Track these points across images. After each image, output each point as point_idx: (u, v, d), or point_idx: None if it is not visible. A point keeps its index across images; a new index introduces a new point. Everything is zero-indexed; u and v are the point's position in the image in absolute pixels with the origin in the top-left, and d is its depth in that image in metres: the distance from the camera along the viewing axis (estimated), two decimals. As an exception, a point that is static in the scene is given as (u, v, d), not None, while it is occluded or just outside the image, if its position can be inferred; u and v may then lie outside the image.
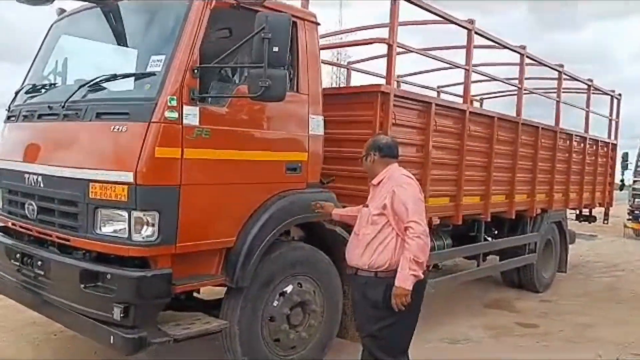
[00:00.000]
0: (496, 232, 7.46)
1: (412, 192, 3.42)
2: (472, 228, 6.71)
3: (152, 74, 3.50)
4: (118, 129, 3.42)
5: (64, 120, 3.77)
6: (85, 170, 3.51)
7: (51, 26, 4.68)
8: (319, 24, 4.38)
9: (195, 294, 4.69)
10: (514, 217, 6.99)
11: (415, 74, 9.16)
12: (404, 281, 3.23)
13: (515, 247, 7.41)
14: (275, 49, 3.33)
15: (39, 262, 3.80)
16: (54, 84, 4.30)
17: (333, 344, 4.63)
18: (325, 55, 6.54)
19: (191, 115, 3.47)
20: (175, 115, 3.39)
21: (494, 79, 6.88)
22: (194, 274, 3.71)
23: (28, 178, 3.94)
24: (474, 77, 6.20)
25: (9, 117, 4.49)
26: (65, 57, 4.50)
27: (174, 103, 3.39)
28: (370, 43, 5.13)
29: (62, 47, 4.59)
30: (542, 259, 8.01)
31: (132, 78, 3.69)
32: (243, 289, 3.87)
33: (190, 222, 3.51)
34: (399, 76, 8.89)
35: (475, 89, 9.05)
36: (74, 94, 3.75)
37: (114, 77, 3.66)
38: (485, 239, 6.90)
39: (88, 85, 3.74)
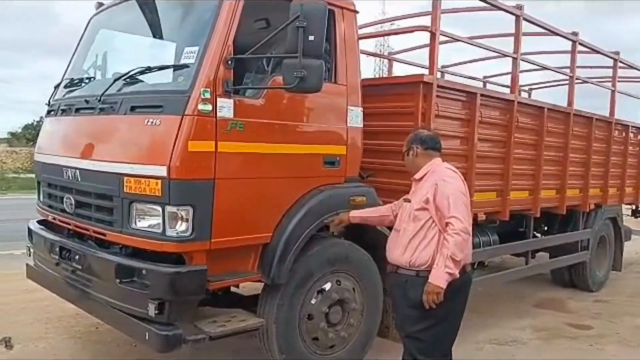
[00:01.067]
0: (546, 228, 7.17)
1: (456, 186, 3.26)
2: (521, 224, 6.44)
3: (186, 66, 3.42)
4: (152, 122, 3.36)
5: (100, 113, 3.75)
6: (120, 164, 3.47)
7: (89, 20, 4.68)
8: (357, 12, 4.22)
9: (233, 289, 4.64)
10: (565, 212, 6.65)
11: (459, 64, 8.88)
12: (438, 279, 3.08)
13: (567, 245, 7.08)
14: (311, 38, 3.20)
15: (77, 256, 3.80)
16: (92, 78, 4.29)
17: (374, 343, 4.48)
18: (367, 46, 6.40)
19: (225, 107, 3.38)
20: (209, 107, 3.31)
21: (544, 68, 6.55)
22: (230, 270, 3.63)
23: (66, 172, 3.94)
24: (522, 67, 5.91)
25: (49, 112, 4.53)
26: (104, 51, 4.50)
27: (208, 95, 3.30)
28: (412, 31, 4.93)
29: (101, 41, 4.59)
30: (595, 257, 7.63)
31: (167, 70, 3.64)
32: (280, 286, 3.77)
33: (225, 217, 3.43)
34: (442, 67, 8.65)
35: (523, 80, 8.74)
36: (109, 87, 3.72)
37: (148, 70, 3.62)
38: (535, 236, 6.62)
39: (123, 78, 3.71)
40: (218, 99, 3.34)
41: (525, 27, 5.65)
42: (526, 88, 10.07)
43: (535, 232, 6.63)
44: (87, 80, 4.30)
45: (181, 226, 3.29)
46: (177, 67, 3.52)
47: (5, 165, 29.97)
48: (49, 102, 4.58)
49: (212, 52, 3.35)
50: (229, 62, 3.39)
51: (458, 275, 3.13)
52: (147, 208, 3.38)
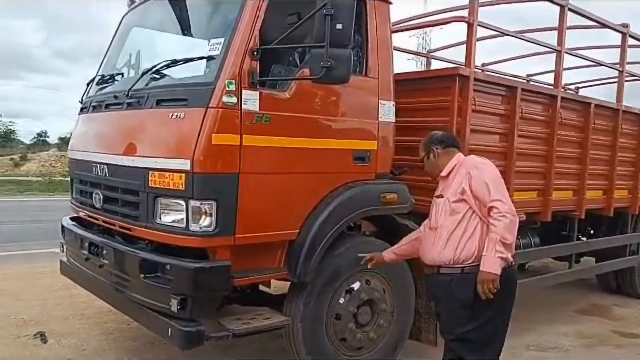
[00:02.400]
0: (592, 231, 6.82)
1: (491, 171, 3.12)
2: (565, 227, 6.15)
3: (211, 57, 3.36)
4: (176, 115, 3.31)
5: (127, 109, 3.73)
6: (145, 159, 3.44)
7: (122, 18, 4.70)
8: (390, 2, 4.08)
9: (262, 288, 4.57)
10: (612, 214, 6.32)
11: (501, 61, 8.57)
12: (491, 265, 2.87)
13: (614, 249, 6.70)
14: (339, 26, 3.09)
15: (104, 252, 3.78)
16: (122, 74, 4.28)
17: (405, 345, 4.32)
18: (408, 46, 6.22)
19: (250, 100, 3.30)
20: (234, 100, 3.24)
21: (589, 60, 6.22)
22: (255, 267, 3.55)
23: (95, 168, 3.94)
24: (568, 63, 5.65)
25: (81, 109, 4.56)
26: (135, 49, 4.50)
27: (233, 87, 3.23)
28: (448, 22, 4.74)
29: (133, 39, 4.59)
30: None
31: (195, 65, 3.57)
32: (306, 284, 3.67)
33: (250, 212, 3.35)
34: (482, 64, 8.39)
35: (569, 78, 8.37)
36: (136, 82, 3.71)
37: (173, 63, 3.57)
38: (579, 239, 6.30)
39: (150, 73, 3.68)
40: (243, 91, 3.27)
41: (571, 20, 5.41)
42: (572, 87, 9.67)
43: (580, 236, 6.33)
44: (117, 77, 4.31)
45: (205, 221, 3.23)
46: (202, 59, 3.45)
47: (54, 169, 31.05)
48: (81, 99, 4.61)
49: (238, 42, 3.28)
50: (255, 53, 3.31)
51: (512, 260, 2.97)
52: (171, 202, 3.33)
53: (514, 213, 2.94)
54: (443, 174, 3.28)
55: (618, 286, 7.27)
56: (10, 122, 42.00)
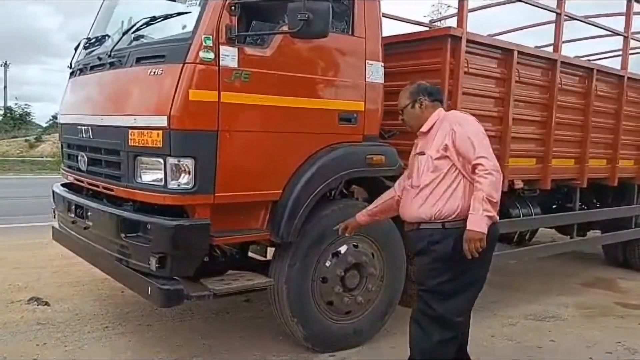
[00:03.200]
0: (598, 203, 6.68)
1: (475, 127, 3.00)
2: (569, 199, 6.02)
3: (188, 13, 3.30)
4: (154, 72, 3.27)
5: (110, 69, 3.70)
6: (125, 117, 3.41)
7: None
8: (377, -42, 3.97)
9: (254, 255, 4.54)
10: (616, 184, 6.17)
11: (503, 33, 8.28)
12: (478, 223, 2.78)
13: (620, 220, 6.56)
14: (316, -22, 3.00)
15: (88, 213, 3.78)
16: (107, 36, 4.23)
17: (395, 311, 4.27)
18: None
19: (229, 56, 3.23)
20: (211, 55, 3.18)
21: (593, 25, 6.05)
22: (237, 227, 3.51)
23: (80, 130, 3.92)
24: (573, 34, 5.45)
25: (71, 74, 4.53)
26: (125, 13, 4.43)
27: (209, 43, 3.17)
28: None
29: (122, 4, 4.54)
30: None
31: (178, 24, 3.51)
32: (291, 246, 3.63)
33: (229, 171, 3.31)
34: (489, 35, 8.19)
35: (577, 51, 8.15)
36: (118, 42, 3.68)
37: (153, 20, 3.52)
38: (582, 209, 6.17)
39: (131, 32, 3.63)
40: (221, 47, 3.21)
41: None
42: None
43: (585, 207, 6.20)
44: (103, 39, 4.25)
45: (183, 178, 3.20)
46: (180, 15, 3.39)
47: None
48: (70, 64, 4.57)
49: None
50: (233, 7, 3.24)
51: (497, 218, 2.90)
52: (150, 161, 3.31)
53: (498, 170, 2.85)
54: (423, 129, 3.14)
55: (625, 259, 7.14)
56: (26, 104, 42.25)
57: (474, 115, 4.23)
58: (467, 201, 2.89)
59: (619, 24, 6.31)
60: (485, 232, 2.79)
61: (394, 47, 4.31)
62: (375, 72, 3.93)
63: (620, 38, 6.25)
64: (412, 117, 3.21)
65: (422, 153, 3.11)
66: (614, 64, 6.52)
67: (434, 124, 3.10)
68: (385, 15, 4.65)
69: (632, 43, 6.24)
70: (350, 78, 3.83)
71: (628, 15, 6.06)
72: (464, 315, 3.09)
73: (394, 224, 4.10)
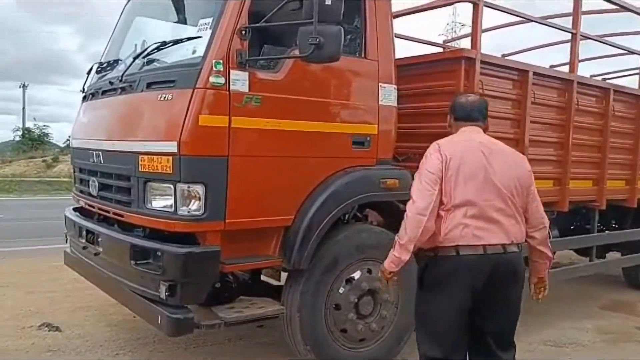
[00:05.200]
0: (616, 225, 6.54)
1: (426, 161, 2.81)
2: (588, 221, 5.89)
3: (199, 37, 3.28)
4: (164, 97, 3.25)
5: (121, 94, 3.69)
6: (136, 143, 3.39)
7: (124, 7, 4.66)
8: (390, -19, 3.95)
9: (266, 279, 4.48)
10: (636, 206, 6.03)
11: (517, 52, 8.24)
12: (386, 262, 2.86)
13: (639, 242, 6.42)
14: (327, 1, 2.97)
15: (99, 239, 3.75)
16: (119, 60, 4.23)
17: (410, 337, 4.16)
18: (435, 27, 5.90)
19: (239, 80, 3.20)
20: (222, 80, 3.15)
21: (608, 44, 5.97)
22: (248, 253, 3.45)
23: (92, 155, 3.90)
24: (588, 53, 5.38)
25: (83, 98, 4.53)
26: (138, 37, 4.45)
27: (220, 68, 3.14)
28: (453, 3, 4.57)
29: (135, 28, 4.55)
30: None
31: (189, 48, 3.49)
32: (304, 272, 3.56)
33: (241, 197, 3.26)
34: (502, 55, 8.13)
35: (593, 69, 8.05)
36: (129, 66, 3.67)
37: (163, 45, 3.51)
38: (601, 232, 6.03)
39: (142, 56, 3.63)
40: (231, 72, 3.18)
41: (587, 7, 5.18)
42: (599, 78, 9.33)
43: (604, 228, 6.05)
44: (115, 64, 4.26)
45: (193, 205, 3.15)
46: (191, 40, 3.38)
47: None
48: (83, 88, 4.58)
49: (225, 21, 3.19)
50: (244, 32, 3.22)
51: (400, 259, 2.77)
52: (160, 187, 3.27)
53: (412, 211, 2.69)
54: None
55: (646, 282, 6.96)
56: (45, 125, 42.68)
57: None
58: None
59: (632, 42, 6.23)
60: (388, 269, 2.83)
61: (407, 69, 4.26)
62: (389, 94, 3.88)
63: (636, 57, 6.17)
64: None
65: None
66: (631, 83, 6.41)
67: None
68: (398, 36, 4.63)
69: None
70: (363, 101, 3.78)
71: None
72: None
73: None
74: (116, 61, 4.22)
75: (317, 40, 2.98)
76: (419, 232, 2.66)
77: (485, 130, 3.01)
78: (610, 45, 5.97)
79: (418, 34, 6.20)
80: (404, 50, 4.56)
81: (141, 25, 4.56)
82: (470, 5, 4.28)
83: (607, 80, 8.99)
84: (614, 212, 6.13)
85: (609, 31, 7.03)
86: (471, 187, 2.69)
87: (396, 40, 4.09)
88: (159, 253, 3.21)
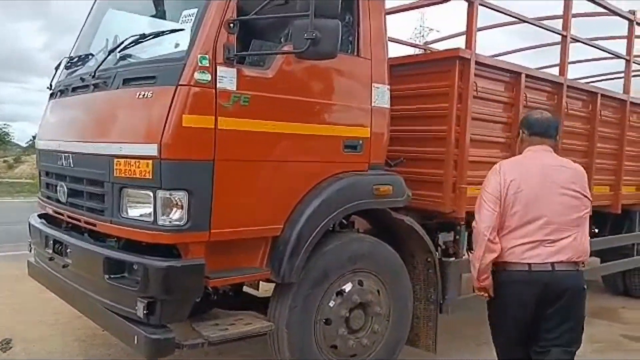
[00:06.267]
0: (597, 230, 6.46)
1: (487, 182, 2.93)
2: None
3: (182, 30, 3.01)
4: (144, 95, 2.96)
5: (94, 91, 3.38)
6: (110, 145, 3.09)
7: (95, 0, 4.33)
8: (384, -23, 3.73)
9: (249, 290, 4.22)
10: (619, 212, 5.96)
11: (507, 53, 8.13)
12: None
13: (620, 248, 6.35)
14: (325, -6, 2.74)
15: (68, 250, 3.42)
16: (91, 55, 3.90)
17: (401, 350, 3.96)
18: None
19: (227, 78, 2.94)
20: (207, 77, 2.88)
21: (596, 48, 5.85)
22: (234, 266, 3.19)
23: (60, 158, 3.58)
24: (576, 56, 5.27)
25: (50, 95, 4.19)
26: (110, 31, 4.13)
27: (206, 63, 2.88)
28: (447, 0, 4.37)
29: (108, 21, 4.23)
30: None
31: (169, 42, 3.20)
32: (292, 285, 3.31)
33: (227, 205, 2.99)
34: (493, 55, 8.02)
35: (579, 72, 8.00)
36: (103, 61, 3.36)
37: (142, 37, 3.21)
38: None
39: (118, 50, 3.32)
40: (218, 68, 2.91)
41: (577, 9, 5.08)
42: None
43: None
44: (87, 59, 3.93)
45: (175, 214, 2.87)
46: (173, 33, 3.10)
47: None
48: (50, 85, 4.24)
49: (212, 13, 2.92)
50: (232, 25, 2.95)
51: (474, 276, 2.93)
52: (138, 194, 2.97)
53: (477, 230, 2.87)
54: None
55: (625, 288, 6.92)
56: (5, 124, 41.11)
57: (482, 141, 4.10)
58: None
59: (619, 46, 6.17)
60: (476, 284, 2.94)
61: (398, 69, 4.06)
62: (382, 95, 3.66)
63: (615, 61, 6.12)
64: (518, 149, 3.19)
65: None
66: (615, 87, 6.34)
67: None
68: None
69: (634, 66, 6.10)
70: (356, 102, 3.56)
71: (630, 38, 5.91)
72: None
73: (401, 258, 3.83)
74: (87, 56, 3.89)
75: (314, 35, 2.75)
76: (482, 251, 2.81)
77: (555, 150, 3.07)
78: (598, 48, 5.87)
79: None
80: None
81: (114, 19, 4.23)
82: (439, 11, 4.18)
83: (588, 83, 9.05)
84: (594, 218, 6.04)
85: (592, 33, 6.98)
86: (527, 210, 2.79)
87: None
88: (136, 267, 2.92)
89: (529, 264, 2.76)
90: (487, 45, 7.72)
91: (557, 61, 5.12)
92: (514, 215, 2.79)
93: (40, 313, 5.24)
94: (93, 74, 3.37)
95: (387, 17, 3.83)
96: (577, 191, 2.84)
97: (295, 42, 2.85)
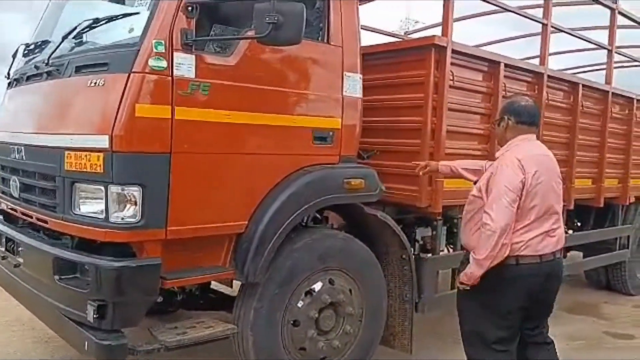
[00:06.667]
0: (579, 224, 6.37)
1: (504, 178, 2.82)
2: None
3: (137, 14, 2.81)
4: (95, 83, 2.76)
5: (47, 79, 3.17)
6: (61, 137, 2.89)
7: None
8: (355, -42, 3.55)
9: (220, 288, 4.04)
10: (602, 205, 5.86)
11: (487, 44, 7.98)
12: (462, 273, 2.95)
13: (603, 242, 6.28)
14: (287, -26, 2.56)
15: (19, 249, 3.22)
16: (47, 42, 3.67)
17: (375, 351, 3.81)
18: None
19: (184, 65, 2.74)
20: (163, 64, 2.68)
21: (579, 38, 5.72)
22: (195, 265, 3.01)
23: (13, 150, 3.36)
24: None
25: (8, 84, 3.96)
26: (73, 17, 3.90)
27: (161, 49, 2.68)
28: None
29: (70, 7, 4.00)
30: (636, 256, 6.78)
31: (122, 24, 3.00)
32: (257, 285, 3.14)
33: (185, 200, 2.80)
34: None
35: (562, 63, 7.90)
36: (57, 48, 3.15)
37: (95, 22, 3.00)
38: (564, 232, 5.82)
39: (72, 36, 3.11)
40: (175, 54, 2.72)
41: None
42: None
43: (566, 228, 5.86)
44: (44, 45, 3.70)
45: (128, 210, 2.67)
46: (127, 17, 2.90)
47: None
48: (8, 73, 4.00)
49: None
50: (190, 8, 2.76)
51: (472, 276, 2.88)
52: (89, 188, 2.77)
53: (493, 229, 2.76)
54: (497, 154, 3.06)
55: (608, 282, 6.86)
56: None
57: (459, 132, 3.95)
58: None
59: (602, 36, 6.05)
60: (463, 281, 2.94)
61: (372, 58, 3.90)
62: (353, 85, 3.48)
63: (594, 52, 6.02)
64: (498, 136, 3.17)
65: (475, 182, 3.19)
66: (597, 78, 6.21)
67: (502, 153, 3.01)
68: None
69: (617, 57, 5.98)
70: (326, 91, 3.38)
71: (612, 28, 5.78)
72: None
73: (374, 255, 3.68)
74: (45, 42, 3.66)
75: (275, 19, 2.56)
76: (496, 251, 2.75)
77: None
78: (580, 38, 5.73)
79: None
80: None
81: (78, 3, 4.01)
82: (425, 3, 3.96)
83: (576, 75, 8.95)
84: (576, 211, 5.94)
85: (574, 24, 6.85)
86: (543, 202, 2.84)
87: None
88: (87, 267, 2.73)
89: (540, 256, 2.84)
90: (476, 36, 7.63)
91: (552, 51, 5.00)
92: (533, 209, 2.80)
93: (4, 313, 5.03)
94: (47, 61, 3.16)
95: (372, 6, 3.66)
96: (561, 179, 3.02)
97: (256, 27, 2.66)
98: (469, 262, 2.92)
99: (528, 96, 4.57)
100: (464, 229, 3.14)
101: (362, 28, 3.73)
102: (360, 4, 3.74)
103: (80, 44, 3.14)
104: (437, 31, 4.14)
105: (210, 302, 4.02)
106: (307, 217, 3.56)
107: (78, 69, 2.91)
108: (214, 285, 4.12)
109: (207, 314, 3.53)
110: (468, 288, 2.93)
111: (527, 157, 2.86)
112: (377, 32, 5.35)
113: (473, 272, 2.85)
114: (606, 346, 5.00)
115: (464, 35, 4.61)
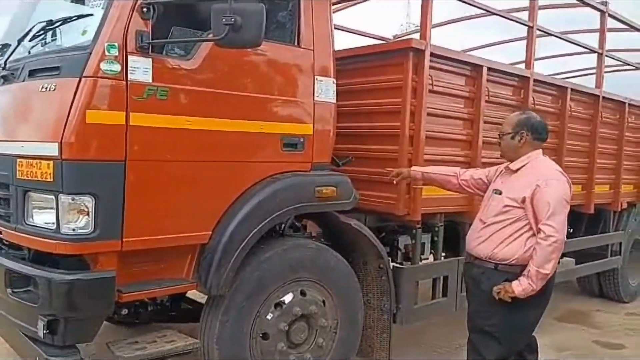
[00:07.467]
0: (571, 230, 6.23)
1: (559, 192, 2.90)
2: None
3: (90, 15, 2.69)
4: (47, 87, 2.64)
5: (3, 84, 3.05)
6: (12, 144, 2.77)
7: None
8: (326, -41, 3.43)
9: (195, 297, 3.90)
10: (593, 212, 5.73)
11: (475, 48, 7.89)
12: (518, 288, 2.86)
13: (595, 249, 6.13)
14: (246, -27, 2.44)
15: (-24, 261, 3.09)
16: (9, 45, 3.56)
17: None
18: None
19: (139, 69, 2.62)
20: (117, 68, 2.57)
21: (566, 40, 5.59)
22: (155, 277, 2.88)
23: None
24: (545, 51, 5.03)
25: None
26: (41, 18, 3.80)
27: (115, 52, 2.56)
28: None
29: (40, 8, 3.88)
30: (628, 263, 6.63)
31: (76, 26, 2.88)
32: (223, 297, 3.01)
33: (142, 210, 2.69)
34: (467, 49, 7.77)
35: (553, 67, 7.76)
36: (13, 51, 3.04)
37: (49, 24, 2.89)
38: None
39: (29, 39, 2.99)
40: (130, 58, 2.60)
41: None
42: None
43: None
44: (6, 48, 3.57)
45: (80, 221, 2.55)
46: (81, 18, 2.78)
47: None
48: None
49: None
50: (146, 9, 2.64)
51: (531, 291, 2.86)
52: (40, 198, 2.65)
53: (560, 242, 2.83)
54: (513, 166, 3.07)
55: (600, 290, 6.71)
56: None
57: (441, 138, 3.83)
58: (526, 252, 2.90)
59: (592, 40, 5.92)
60: (520, 296, 2.86)
61: (348, 62, 3.79)
62: (326, 89, 3.36)
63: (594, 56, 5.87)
64: (509, 148, 3.13)
65: (499, 192, 3.09)
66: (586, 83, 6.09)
67: (523, 166, 3.03)
68: (340, 28, 4.15)
69: (607, 61, 5.86)
70: (296, 96, 3.25)
71: (602, 30, 5.66)
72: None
73: (349, 264, 3.55)
74: (6, 45, 3.54)
75: (233, 20, 2.44)
76: (557, 261, 2.87)
77: None
78: (567, 41, 5.61)
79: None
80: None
81: (49, 5, 3.89)
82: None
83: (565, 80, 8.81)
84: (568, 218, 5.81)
85: (564, 29, 6.73)
86: None
87: (341, 33, 3.61)
88: (37, 280, 2.61)
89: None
90: (470, 41, 7.53)
91: (541, 56, 4.89)
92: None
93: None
94: (3, 65, 3.05)
95: (372, 8, 3.54)
96: None
97: (214, 28, 2.54)
98: (497, 274, 2.96)
99: (513, 101, 4.53)
100: (492, 238, 3.03)
101: (345, 30, 3.62)
102: (354, 4, 3.63)
103: (40, 46, 3.03)
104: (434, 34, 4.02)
105: (185, 313, 3.89)
106: (284, 225, 3.45)
107: (32, 73, 2.80)
108: (194, 295, 4.00)
109: (177, 326, 3.41)
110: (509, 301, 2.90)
111: (563, 171, 3.06)
112: (358, 34, 5.21)
113: (536, 287, 2.83)
114: (596, 356, 4.85)
115: (457, 40, 4.51)
